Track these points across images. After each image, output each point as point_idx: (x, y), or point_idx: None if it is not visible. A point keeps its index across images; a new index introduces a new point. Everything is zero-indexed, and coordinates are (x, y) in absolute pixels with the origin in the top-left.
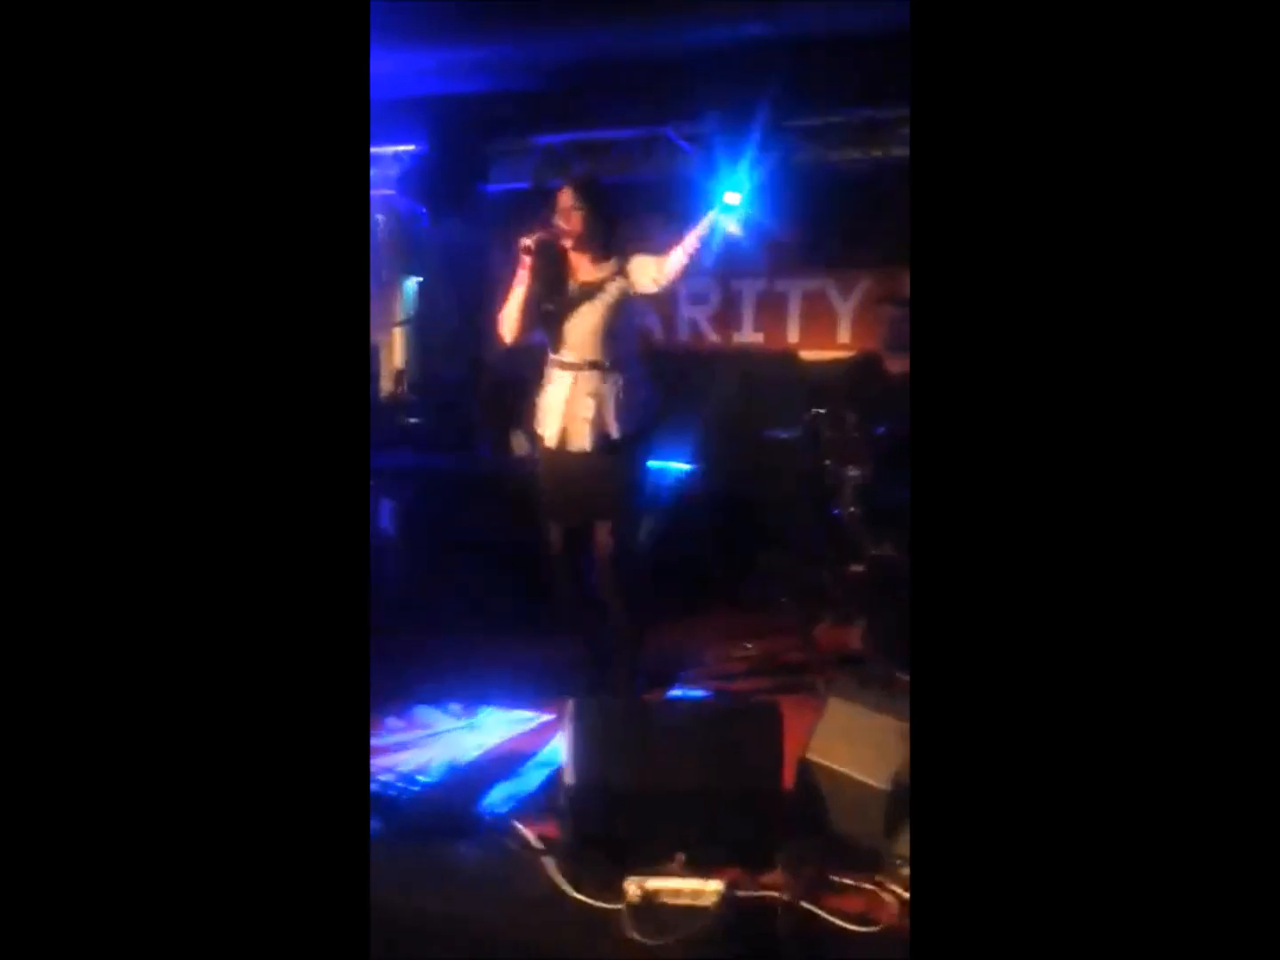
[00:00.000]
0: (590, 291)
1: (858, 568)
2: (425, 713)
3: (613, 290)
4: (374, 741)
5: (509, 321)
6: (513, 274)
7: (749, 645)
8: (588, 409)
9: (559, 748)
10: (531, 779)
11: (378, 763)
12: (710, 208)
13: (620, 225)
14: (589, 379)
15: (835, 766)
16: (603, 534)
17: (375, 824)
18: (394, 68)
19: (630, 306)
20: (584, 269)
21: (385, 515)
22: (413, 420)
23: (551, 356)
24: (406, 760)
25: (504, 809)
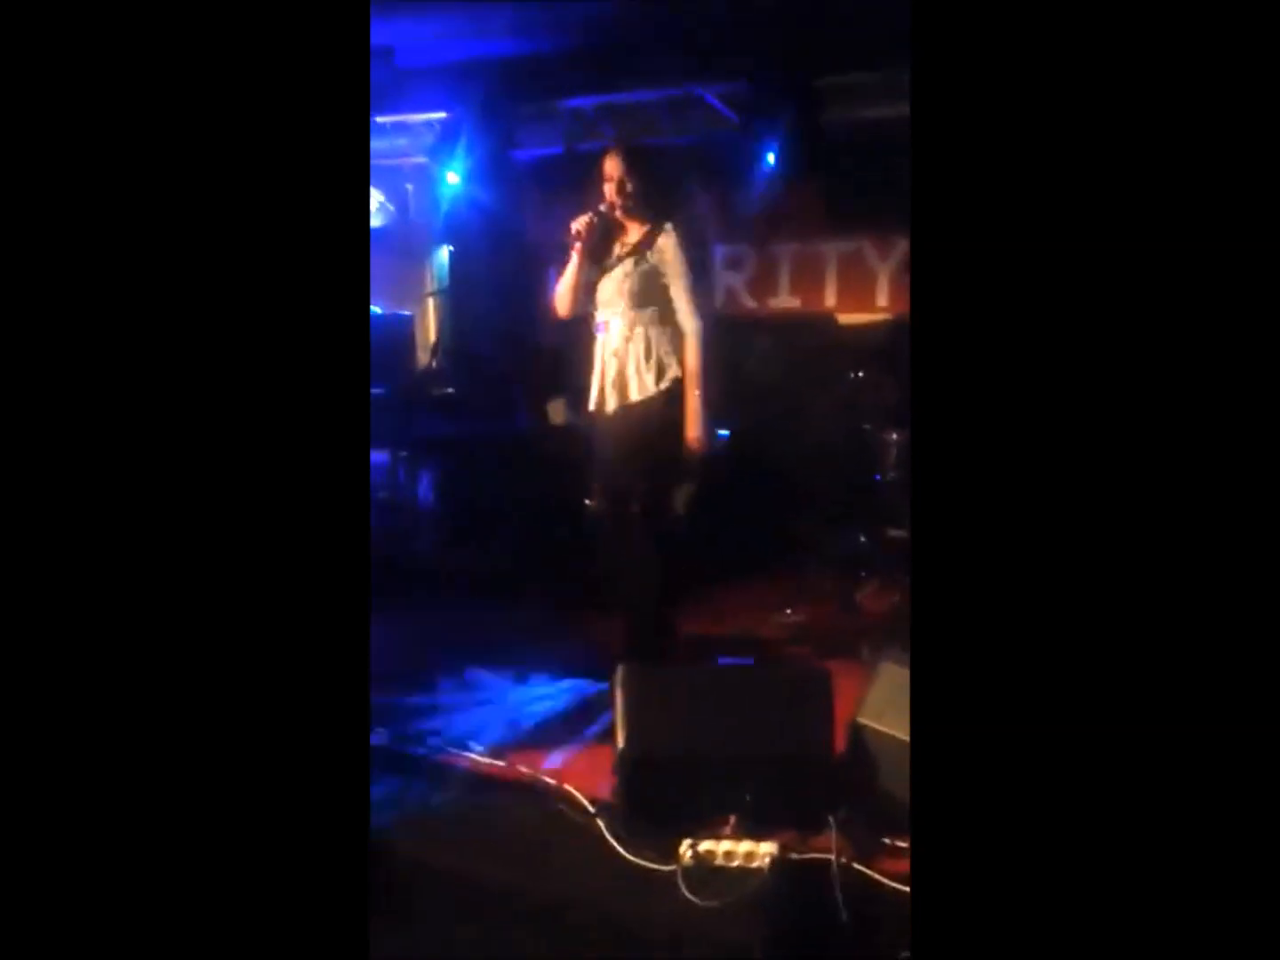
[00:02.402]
0: (623, 251)
1: (898, 532)
2: (473, 679)
3: (644, 253)
4: (421, 710)
5: (563, 299)
6: (564, 253)
7: (789, 611)
8: (612, 368)
9: (609, 712)
10: (582, 744)
11: (429, 730)
12: (745, 169)
13: (669, 188)
14: (612, 339)
15: (886, 730)
16: (623, 498)
17: (428, 789)
18: (424, 33)
19: (664, 269)
20: (628, 230)
21: (423, 484)
22: (448, 390)
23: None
24: (456, 726)
25: (556, 773)
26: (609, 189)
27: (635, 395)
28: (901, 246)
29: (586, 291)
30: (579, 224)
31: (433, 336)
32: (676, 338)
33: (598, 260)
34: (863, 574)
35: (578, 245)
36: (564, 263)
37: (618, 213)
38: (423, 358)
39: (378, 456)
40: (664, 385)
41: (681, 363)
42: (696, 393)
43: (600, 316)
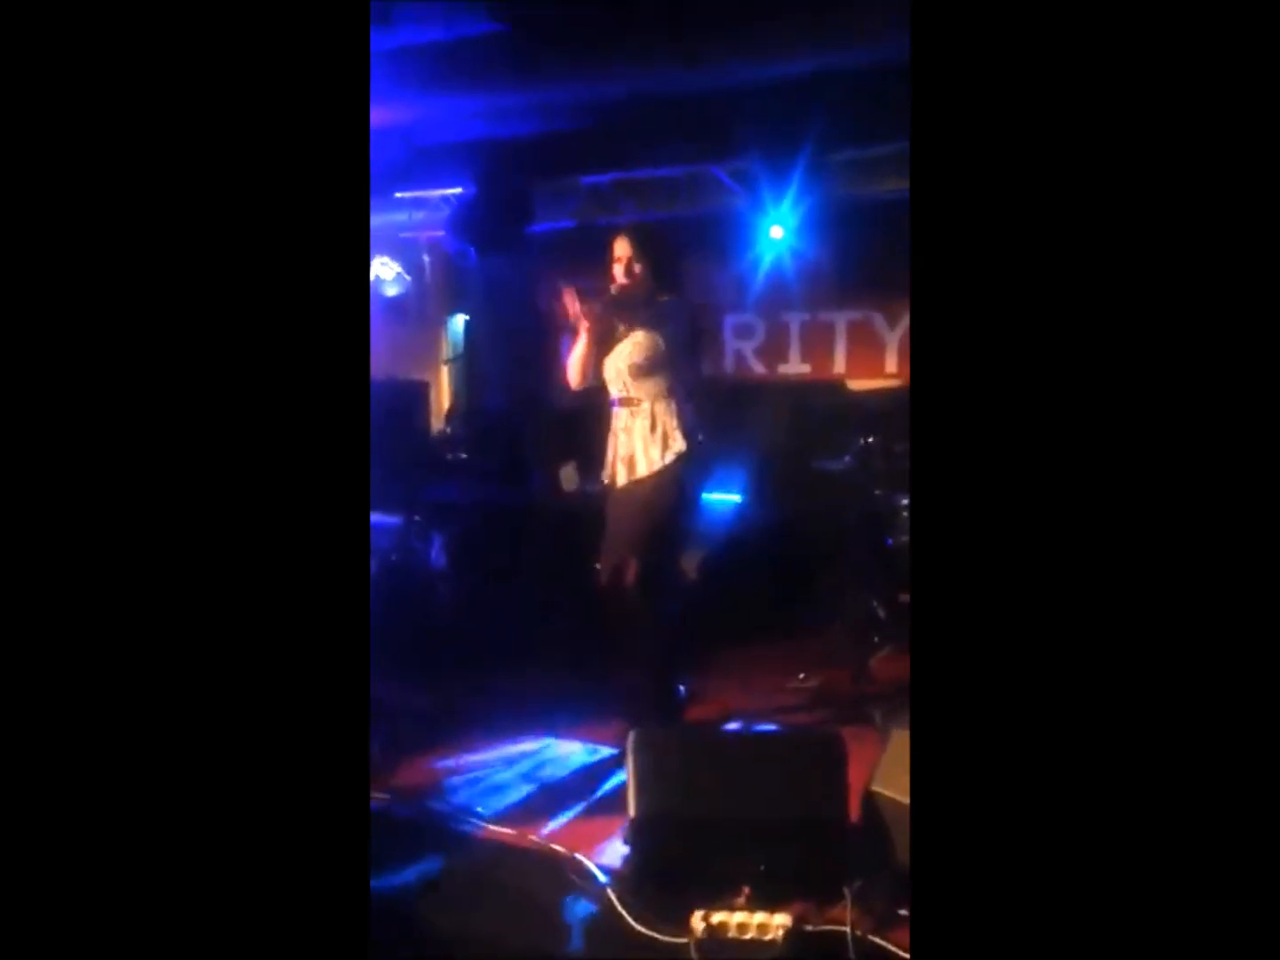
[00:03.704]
0: (627, 333)
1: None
2: (484, 745)
3: (645, 329)
4: (434, 774)
5: (574, 373)
6: (573, 331)
7: (803, 676)
8: (624, 446)
9: (621, 780)
10: (594, 811)
11: (440, 794)
12: (755, 241)
13: (679, 268)
14: (621, 415)
15: (901, 798)
16: (633, 570)
17: (438, 855)
18: (441, 112)
19: (663, 343)
20: (633, 309)
21: (435, 548)
22: (462, 455)
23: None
24: (467, 792)
25: (567, 841)
26: (618, 270)
27: (643, 470)
28: (909, 314)
29: (595, 365)
30: (585, 307)
31: (447, 402)
32: (680, 410)
33: (605, 336)
34: (876, 639)
35: (585, 325)
36: (575, 336)
37: (625, 294)
38: (436, 424)
39: (391, 520)
40: (669, 460)
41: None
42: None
43: (614, 393)
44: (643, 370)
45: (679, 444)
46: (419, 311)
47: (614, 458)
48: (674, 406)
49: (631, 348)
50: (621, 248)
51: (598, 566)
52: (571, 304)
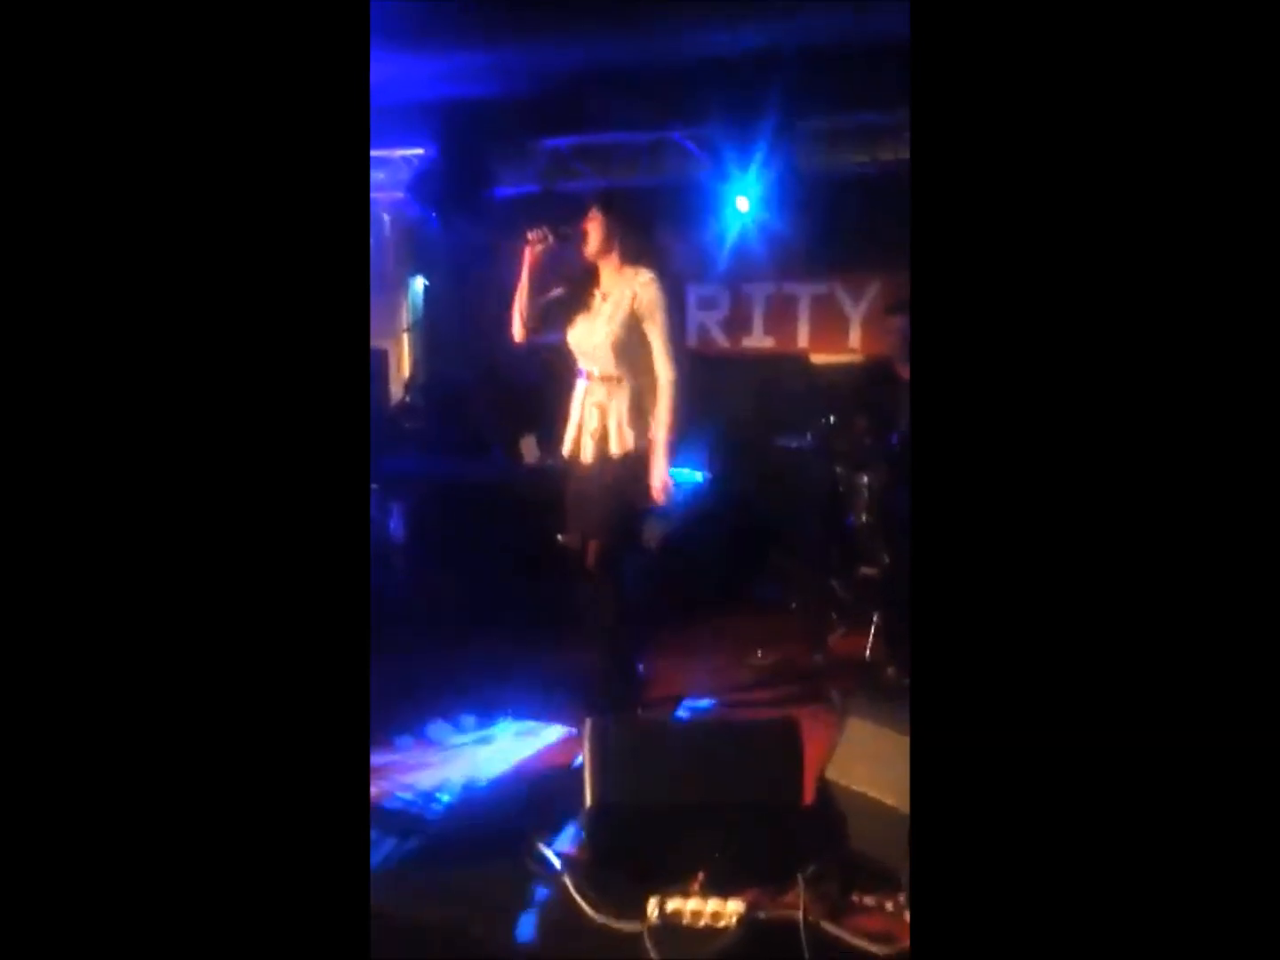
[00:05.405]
0: (604, 303)
1: (870, 574)
2: (440, 727)
3: (624, 303)
4: (389, 757)
5: (516, 315)
6: (519, 269)
7: (760, 654)
8: (594, 420)
9: (577, 764)
10: (549, 796)
11: (395, 779)
12: (718, 210)
13: (646, 238)
14: (597, 390)
15: (855, 787)
16: (596, 547)
17: (393, 842)
18: (403, 72)
19: (643, 318)
20: (607, 280)
21: (393, 519)
22: (420, 425)
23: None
24: (423, 777)
25: (522, 827)
26: (584, 223)
27: (616, 449)
28: (872, 290)
29: (538, 311)
30: (531, 235)
31: (406, 371)
32: (660, 394)
33: (552, 283)
34: (834, 617)
35: (528, 258)
36: (516, 281)
37: (589, 250)
38: (396, 392)
39: None
40: (643, 445)
41: (655, 412)
42: (666, 439)
43: (584, 365)
44: (624, 346)
45: (655, 431)
46: (378, 276)
47: (580, 431)
48: (651, 387)
49: (615, 323)
50: (595, 210)
51: (559, 537)
52: (529, 236)
